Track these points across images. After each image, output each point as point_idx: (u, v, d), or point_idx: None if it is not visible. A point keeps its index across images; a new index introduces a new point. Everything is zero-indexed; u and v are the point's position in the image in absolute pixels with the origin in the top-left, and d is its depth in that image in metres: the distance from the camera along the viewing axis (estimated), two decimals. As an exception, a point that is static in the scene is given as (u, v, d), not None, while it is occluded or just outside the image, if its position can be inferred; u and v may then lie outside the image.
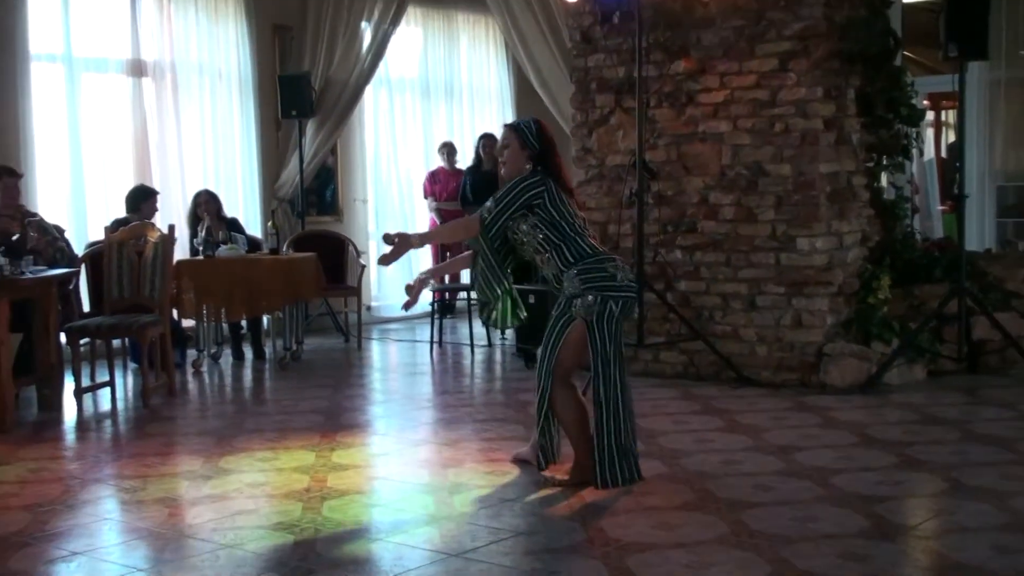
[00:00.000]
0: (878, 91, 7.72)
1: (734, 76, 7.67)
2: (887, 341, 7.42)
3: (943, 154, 13.70)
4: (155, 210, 8.67)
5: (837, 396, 7.04)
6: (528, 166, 5.08)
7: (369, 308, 11.10)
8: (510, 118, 12.43)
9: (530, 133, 5.10)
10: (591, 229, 5.25)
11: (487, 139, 10.70)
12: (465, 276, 11.33)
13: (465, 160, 11.48)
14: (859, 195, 7.80)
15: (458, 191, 11.01)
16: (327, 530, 4.57)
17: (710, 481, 5.14)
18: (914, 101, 7.99)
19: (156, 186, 9.26)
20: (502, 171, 5.28)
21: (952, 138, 14.56)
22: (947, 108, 14.47)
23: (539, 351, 5.17)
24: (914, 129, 8.04)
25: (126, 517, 4.91)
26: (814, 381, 7.36)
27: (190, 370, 8.57)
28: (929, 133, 13.80)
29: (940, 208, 11.83)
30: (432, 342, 9.59)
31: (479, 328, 9.66)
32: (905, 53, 8.91)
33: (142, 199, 8.59)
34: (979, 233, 10.30)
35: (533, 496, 4.99)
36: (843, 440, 5.94)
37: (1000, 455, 5.55)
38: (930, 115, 13.63)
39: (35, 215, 7.92)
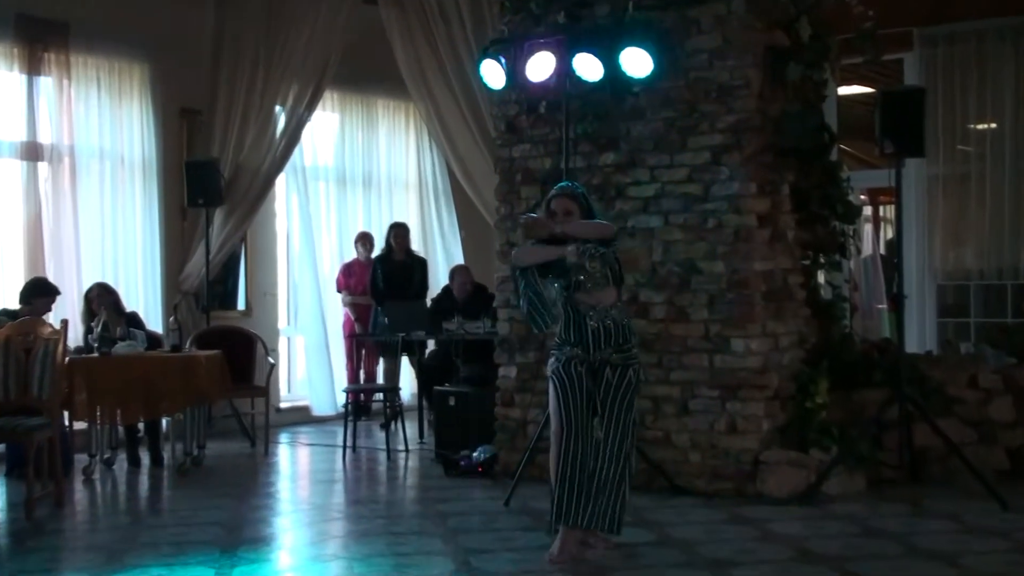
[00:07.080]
0: (813, 186, 7.87)
1: (665, 169, 7.76)
2: (826, 448, 7.47)
3: (882, 250, 13.92)
4: (49, 309, 8.53)
5: (774, 507, 7.05)
6: None
7: (278, 410, 10.96)
8: (430, 209, 12.57)
9: (585, 198, 6.05)
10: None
11: (398, 228, 10.99)
12: (380, 378, 11.30)
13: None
14: (795, 294, 7.89)
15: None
16: (224, 658, 4.45)
17: (640, 601, 5.11)
18: (851, 197, 8.12)
19: (50, 277, 9.13)
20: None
21: (891, 234, 14.85)
22: (885, 203, 14.75)
23: (610, 424, 5.74)
24: (851, 227, 8.18)
25: (1, 645, 4.75)
26: (750, 490, 7.36)
27: (80, 477, 8.37)
28: (867, 228, 14.01)
29: (879, 306, 12.02)
30: (345, 447, 9.45)
31: (395, 432, 9.58)
32: (841, 146, 9.11)
33: (37, 294, 8.47)
34: (919, 334, 10.40)
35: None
36: (781, 555, 5.94)
37: (944, 571, 5.58)
38: (868, 210, 13.91)
39: None
